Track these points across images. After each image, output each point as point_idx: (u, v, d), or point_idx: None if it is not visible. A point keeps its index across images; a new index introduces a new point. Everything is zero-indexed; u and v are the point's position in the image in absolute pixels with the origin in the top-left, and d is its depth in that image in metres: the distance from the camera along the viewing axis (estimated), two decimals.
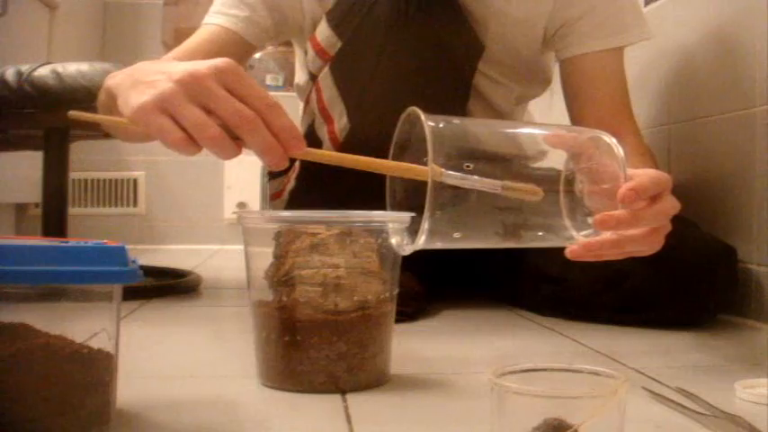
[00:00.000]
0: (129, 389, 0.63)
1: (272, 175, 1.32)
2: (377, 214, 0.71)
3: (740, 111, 1.13)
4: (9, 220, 2.46)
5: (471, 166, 0.64)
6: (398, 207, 0.72)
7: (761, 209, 1.08)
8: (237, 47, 1.10)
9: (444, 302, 1.21)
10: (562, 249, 1.13)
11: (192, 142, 0.60)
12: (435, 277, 1.22)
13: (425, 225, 0.63)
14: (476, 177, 0.63)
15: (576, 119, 1.16)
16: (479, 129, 0.73)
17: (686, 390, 0.68)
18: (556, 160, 0.70)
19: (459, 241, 0.67)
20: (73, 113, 0.67)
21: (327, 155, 0.70)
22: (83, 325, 0.56)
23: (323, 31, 1.10)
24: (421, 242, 0.64)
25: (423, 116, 0.64)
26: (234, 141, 0.61)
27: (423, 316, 1.11)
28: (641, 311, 1.03)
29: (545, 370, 0.53)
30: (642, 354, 0.89)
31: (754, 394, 0.68)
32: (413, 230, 0.66)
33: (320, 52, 1.11)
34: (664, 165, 1.33)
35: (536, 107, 1.48)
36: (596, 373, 0.53)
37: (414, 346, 0.92)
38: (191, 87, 0.60)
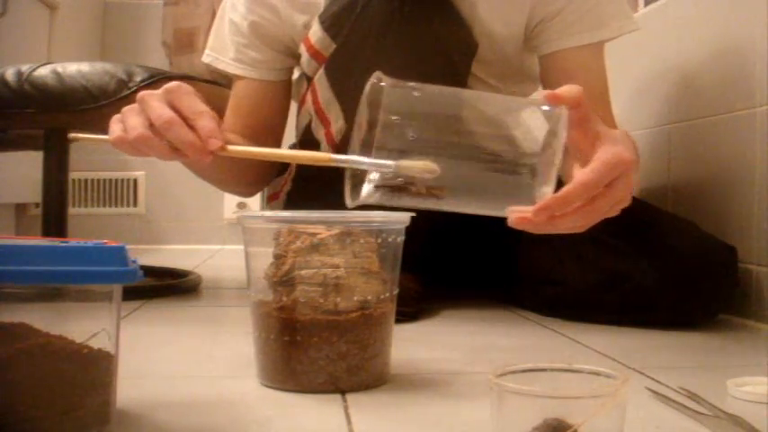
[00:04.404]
0: (129, 389, 0.63)
1: None
2: (377, 214, 0.71)
3: (740, 111, 1.13)
4: (9, 220, 2.46)
5: (415, 136, 0.64)
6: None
7: (761, 209, 1.08)
8: (278, 86, 1.22)
9: (444, 302, 1.21)
10: (560, 250, 1.14)
11: (125, 140, 0.74)
12: (435, 277, 1.22)
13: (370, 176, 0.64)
14: (367, 159, 0.63)
15: None
16: (438, 97, 0.71)
17: (688, 389, 0.68)
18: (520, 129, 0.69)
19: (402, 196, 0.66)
20: (72, 136, 0.80)
21: (241, 151, 0.77)
22: (83, 325, 0.56)
23: (316, 33, 1.10)
24: (364, 194, 0.65)
25: (375, 76, 0.65)
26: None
27: (423, 316, 1.11)
28: (641, 312, 1.03)
29: (545, 370, 0.53)
30: (642, 354, 0.89)
31: (747, 392, 0.68)
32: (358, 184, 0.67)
33: (315, 54, 1.11)
34: (664, 165, 1.33)
35: None
36: (596, 373, 0.53)
37: (414, 345, 0.92)
38: (140, 104, 0.75)
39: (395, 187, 0.64)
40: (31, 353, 0.53)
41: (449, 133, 0.66)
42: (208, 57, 1.22)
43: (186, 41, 1.58)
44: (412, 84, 0.66)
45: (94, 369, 0.55)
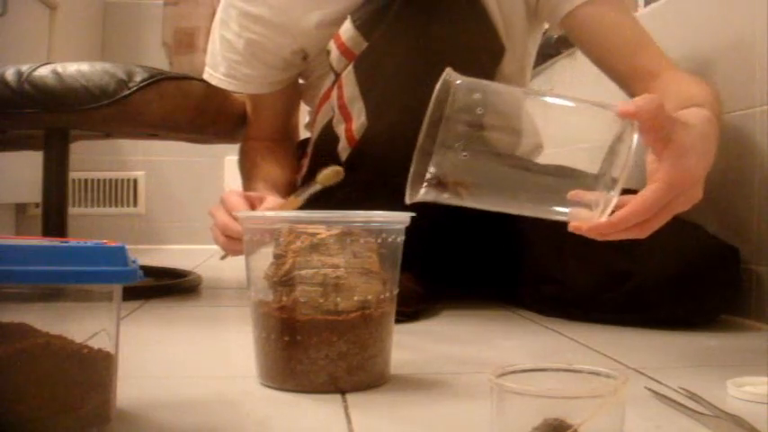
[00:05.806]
0: (129, 389, 0.63)
1: None
2: (377, 214, 0.71)
3: (740, 111, 1.13)
4: (9, 220, 2.46)
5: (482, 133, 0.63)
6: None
7: (761, 209, 1.08)
8: (281, 94, 1.27)
9: (444, 302, 1.21)
10: (561, 249, 1.14)
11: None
12: (435, 277, 1.22)
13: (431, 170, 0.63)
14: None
15: (607, 72, 1.11)
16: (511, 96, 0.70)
17: (688, 389, 0.68)
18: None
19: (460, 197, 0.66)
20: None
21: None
22: (83, 325, 0.56)
23: (347, 31, 1.10)
24: (422, 192, 0.65)
25: (447, 73, 0.64)
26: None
27: (423, 316, 1.11)
28: (642, 311, 1.03)
29: (545, 370, 0.53)
30: (642, 353, 0.89)
31: (746, 392, 0.68)
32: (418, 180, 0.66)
33: (345, 52, 1.11)
34: None
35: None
36: (596, 373, 0.53)
37: (414, 346, 0.92)
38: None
39: (449, 188, 0.64)
40: (31, 353, 0.53)
41: (512, 134, 0.66)
42: (205, 73, 1.25)
43: (186, 41, 1.58)
44: (482, 82, 0.65)
45: (94, 369, 0.55)
